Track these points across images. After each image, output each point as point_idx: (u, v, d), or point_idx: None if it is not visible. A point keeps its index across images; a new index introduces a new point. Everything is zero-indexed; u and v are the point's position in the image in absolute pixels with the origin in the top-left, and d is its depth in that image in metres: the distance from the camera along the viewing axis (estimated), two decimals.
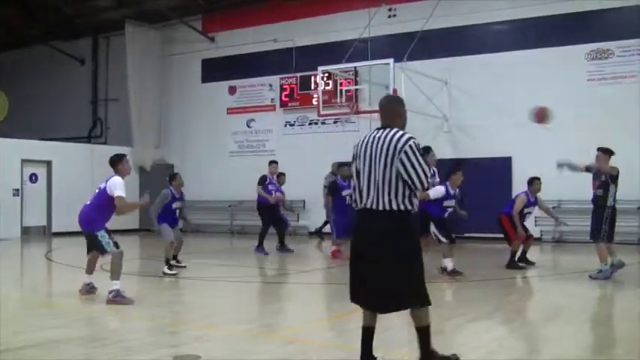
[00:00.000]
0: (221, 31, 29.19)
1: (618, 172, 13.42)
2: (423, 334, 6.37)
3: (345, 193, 17.34)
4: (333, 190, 18.02)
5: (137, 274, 15.88)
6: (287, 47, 27.21)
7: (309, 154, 25.36)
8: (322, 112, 22.94)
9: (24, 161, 26.07)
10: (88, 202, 10.88)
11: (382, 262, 6.15)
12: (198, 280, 13.89)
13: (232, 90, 28.97)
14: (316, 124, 26.44)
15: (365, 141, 6.38)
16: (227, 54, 28.91)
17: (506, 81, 22.53)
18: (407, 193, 6.16)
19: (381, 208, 6.15)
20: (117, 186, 10.61)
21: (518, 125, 21.59)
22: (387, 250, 6.15)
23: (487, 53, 23.14)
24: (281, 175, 19.94)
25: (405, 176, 6.09)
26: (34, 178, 26.64)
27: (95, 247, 10.86)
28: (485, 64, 22.99)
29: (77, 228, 11.08)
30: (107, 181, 10.75)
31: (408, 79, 21.18)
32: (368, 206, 6.21)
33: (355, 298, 6.43)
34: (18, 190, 25.81)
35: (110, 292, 10.49)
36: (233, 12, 28.77)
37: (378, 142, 6.24)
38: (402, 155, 6.10)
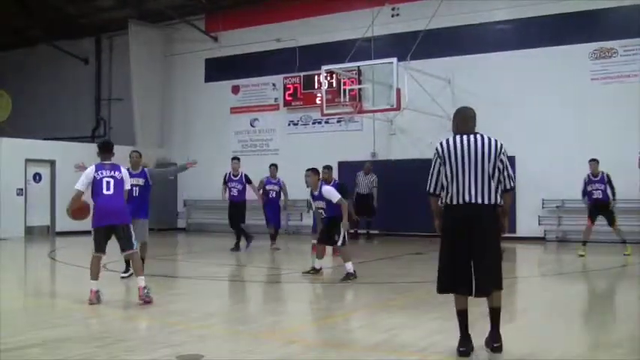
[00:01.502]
0: (224, 31, 29.15)
1: None
2: (498, 314, 7.15)
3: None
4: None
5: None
6: (290, 47, 27.18)
7: (312, 154, 25.28)
8: (326, 112, 22.92)
9: (28, 161, 26.08)
10: (112, 194, 10.47)
11: (488, 250, 7.07)
12: (200, 279, 13.89)
13: (235, 89, 28.96)
14: (320, 123, 26.41)
15: (458, 145, 7.12)
16: (230, 53, 28.90)
17: (510, 80, 22.49)
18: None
19: (486, 202, 7.04)
20: (127, 177, 11.00)
21: (522, 124, 21.68)
22: (490, 238, 7.11)
23: (490, 52, 23.14)
24: (272, 167, 20.12)
25: (502, 176, 7.13)
26: (37, 177, 26.65)
27: (125, 240, 10.57)
28: (488, 63, 22.97)
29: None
30: (117, 171, 10.73)
31: (411, 78, 21.16)
32: (473, 201, 7.02)
33: (459, 287, 7.09)
34: (22, 189, 25.82)
35: (144, 289, 10.33)
36: (236, 11, 28.76)
37: (476, 145, 7.09)
38: (502, 157, 7.13)
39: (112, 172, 10.62)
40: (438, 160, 7.18)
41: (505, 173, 7.13)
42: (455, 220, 7.11)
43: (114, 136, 31.63)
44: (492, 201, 7.07)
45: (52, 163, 26.79)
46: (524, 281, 13.95)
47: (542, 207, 21.91)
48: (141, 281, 10.38)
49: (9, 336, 8.23)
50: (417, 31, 22.51)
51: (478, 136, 7.17)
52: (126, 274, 13.14)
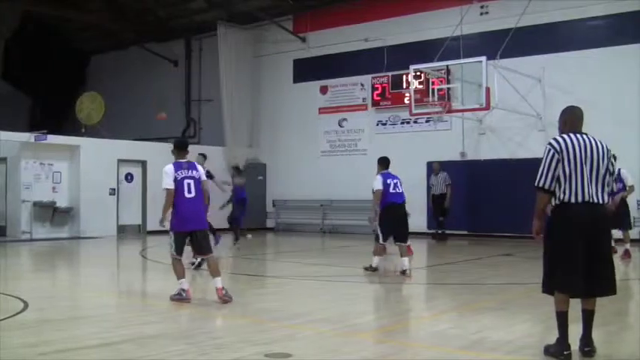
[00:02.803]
0: (312, 31, 29.26)
1: None
2: (592, 317, 7.01)
3: None
4: None
5: (229, 272, 16.06)
6: (378, 46, 27.11)
7: (401, 154, 25.14)
8: (414, 111, 22.81)
9: (120, 161, 26.61)
10: (193, 197, 10.43)
11: (608, 250, 7.14)
12: (289, 278, 13.94)
13: (324, 89, 29.03)
14: (408, 123, 26.27)
15: (575, 142, 7.02)
16: (318, 54, 28.98)
17: (603, 78, 21.97)
18: None
19: (601, 201, 6.99)
20: (203, 172, 10.88)
21: (618, 123, 21.02)
22: (608, 238, 7.25)
23: (582, 49, 22.61)
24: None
25: (610, 177, 7.16)
26: (129, 177, 27.16)
27: (204, 245, 10.68)
28: (580, 61, 22.48)
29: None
30: (194, 169, 10.63)
31: (501, 77, 20.90)
32: (592, 200, 6.93)
33: (578, 286, 6.90)
34: (114, 189, 26.36)
35: (223, 289, 10.33)
36: (323, 12, 28.83)
37: (591, 145, 7.04)
38: (612, 159, 7.20)
39: (190, 172, 10.55)
40: (556, 156, 6.98)
41: (613, 177, 7.37)
42: (572, 218, 6.92)
43: (204, 136, 32.11)
44: (606, 201, 7.05)
45: (144, 163, 27.26)
46: (619, 284, 13.62)
47: (638, 208, 21.36)
48: (219, 282, 10.37)
49: (104, 332, 8.39)
50: (506, 29, 22.19)
51: (591, 137, 7.11)
52: (195, 262, 13.38)
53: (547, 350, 6.98)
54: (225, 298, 10.24)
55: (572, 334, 6.88)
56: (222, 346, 7.61)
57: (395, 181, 13.99)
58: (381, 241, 13.92)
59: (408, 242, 14.25)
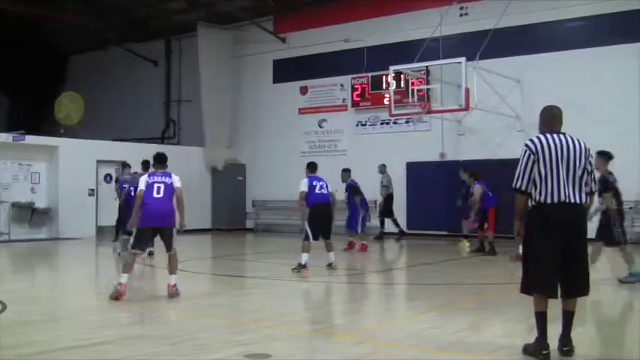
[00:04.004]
0: (292, 32, 29.23)
1: None
2: (572, 317, 7.04)
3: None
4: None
5: (209, 272, 16.05)
6: (358, 47, 27.13)
7: (380, 154, 25.20)
8: (394, 112, 22.85)
9: (99, 162, 26.46)
10: (162, 197, 11.07)
11: (583, 250, 7.12)
12: (269, 279, 13.93)
13: (304, 90, 29.01)
14: (388, 123, 26.30)
15: (551, 143, 7.03)
16: (298, 54, 28.96)
17: (581, 79, 22.04)
18: None
19: (578, 201, 6.96)
20: (178, 180, 11.42)
21: (596, 123, 21.06)
22: (584, 239, 7.11)
23: (561, 51, 22.72)
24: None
25: (589, 178, 7.11)
26: (108, 178, 27.02)
27: (169, 242, 11.20)
28: (559, 62, 22.58)
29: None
30: (168, 176, 11.33)
31: (480, 77, 20.96)
32: (568, 200, 6.92)
33: (553, 288, 6.97)
34: (93, 190, 26.23)
35: (175, 286, 11.05)
36: (304, 12, 28.83)
37: (568, 145, 7.02)
38: (590, 159, 7.13)
39: (162, 178, 11.31)
40: (532, 157, 7.01)
41: (592, 176, 7.13)
42: (549, 218, 6.93)
43: (183, 137, 32.01)
44: (584, 201, 7.02)
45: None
46: (595, 284, 13.69)
47: (630, 208, 21.42)
48: (173, 279, 11.13)
49: (84, 333, 8.37)
50: (485, 30, 22.29)
51: (568, 136, 7.10)
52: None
53: (526, 349, 7.03)
54: (174, 294, 10.98)
55: (552, 333, 6.92)
56: (202, 347, 7.60)
57: (321, 183, 14.87)
58: (310, 240, 14.52)
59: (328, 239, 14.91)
